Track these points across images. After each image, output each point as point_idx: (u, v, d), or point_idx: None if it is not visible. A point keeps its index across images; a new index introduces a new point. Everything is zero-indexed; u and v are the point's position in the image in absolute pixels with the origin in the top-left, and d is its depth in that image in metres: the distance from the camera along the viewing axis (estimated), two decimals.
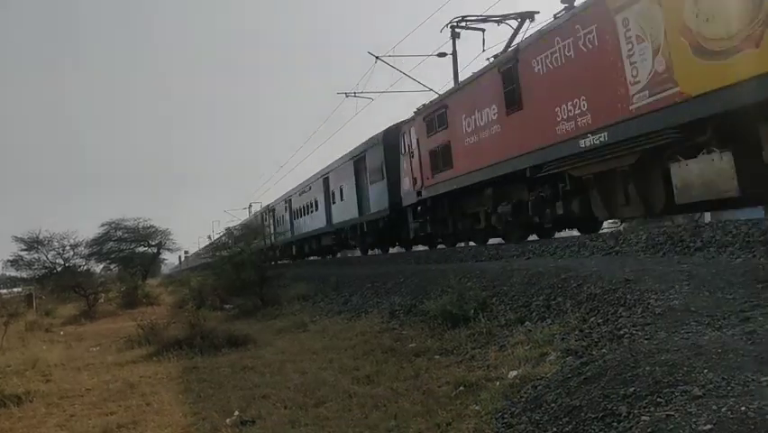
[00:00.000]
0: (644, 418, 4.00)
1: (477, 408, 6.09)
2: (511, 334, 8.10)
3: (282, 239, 40.78)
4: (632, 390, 4.43)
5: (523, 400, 5.66)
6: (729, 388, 3.89)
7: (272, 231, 43.56)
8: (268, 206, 49.07)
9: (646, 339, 5.42)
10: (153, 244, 50.16)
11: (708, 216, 17.60)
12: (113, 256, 48.50)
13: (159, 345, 13.67)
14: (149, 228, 49.60)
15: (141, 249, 49.98)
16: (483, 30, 21.46)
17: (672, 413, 3.83)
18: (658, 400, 4.13)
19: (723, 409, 3.57)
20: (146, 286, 35.06)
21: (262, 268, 22.39)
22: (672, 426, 3.68)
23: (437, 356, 8.63)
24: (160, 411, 8.40)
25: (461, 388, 6.84)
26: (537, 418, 5.08)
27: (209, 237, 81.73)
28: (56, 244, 42.50)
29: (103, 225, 48.63)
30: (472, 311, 9.43)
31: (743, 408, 3.50)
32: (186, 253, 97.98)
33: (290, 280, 23.88)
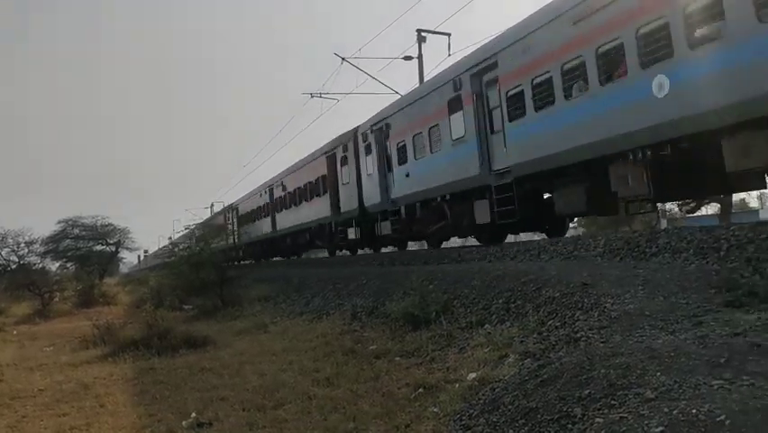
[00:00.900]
0: (598, 420, 4.07)
1: (436, 409, 6.11)
2: (471, 336, 8.16)
3: (250, 238, 39.97)
4: (587, 392, 4.50)
5: (481, 402, 5.70)
6: (681, 391, 3.98)
7: (235, 230, 43.01)
8: (231, 204, 48.43)
9: (602, 342, 5.51)
10: (111, 242, 49.13)
11: (664, 223, 18.04)
12: (69, 254, 47.32)
13: (114, 345, 13.40)
14: (107, 226, 48.56)
15: (99, 247, 48.92)
16: (449, 34, 22.15)
17: (626, 415, 3.91)
18: (612, 402, 4.20)
19: (674, 412, 3.65)
20: (103, 285, 34.32)
21: (222, 268, 22.10)
22: (624, 428, 3.75)
23: (398, 358, 8.64)
24: (115, 413, 8.24)
25: (421, 390, 6.87)
26: (495, 419, 5.13)
27: (170, 239, 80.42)
28: (10, 241, 41.31)
29: (59, 223, 47.47)
30: (434, 314, 9.47)
31: (693, 410, 3.58)
32: (145, 252, 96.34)
33: (252, 280, 23.63)
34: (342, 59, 27.70)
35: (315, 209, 26.06)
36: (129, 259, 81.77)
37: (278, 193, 32.30)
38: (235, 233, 42.44)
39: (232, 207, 46.56)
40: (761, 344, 4.48)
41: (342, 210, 23.55)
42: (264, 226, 35.08)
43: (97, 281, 34.51)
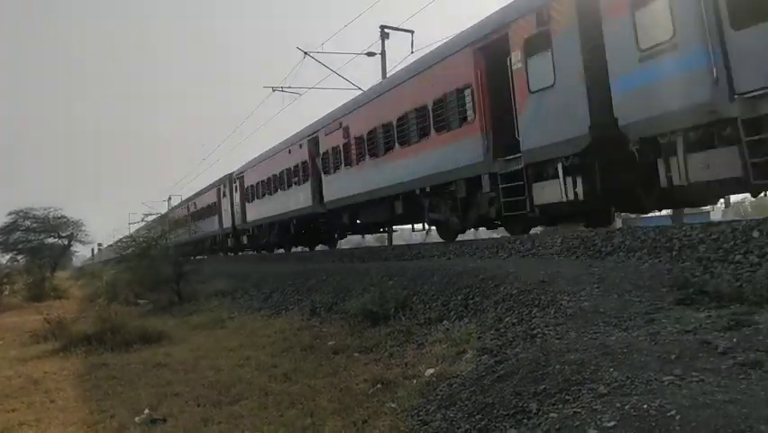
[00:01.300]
0: (552, 414, 4.12)
1: (393, 405, 6.12)
2: (430, 332, 8.19)
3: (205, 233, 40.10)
4: (542, 387, 4.56)
5: (438, 397, 5.73)
6: (633, 386, 4.06)
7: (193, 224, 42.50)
8: (189, 198, 47.78)
9: (558, 339, 5.59)
10: (64, 235, 48.03)
11: (619, 222, 18.41)
12: (20, 247, 46.13)
13: (66, 340, 13.06)
14: (60, 219, 47.46)
15: (51, 240, 47.76)
16: (412, 31, 22.49)
17: (579, 410, 3.97)
18: (566, 397, 4.27)
19: (626, 407, 3.72)
20: (55, 279, 33.49)
21: (179, 262, 21.75)
22: (578, 422, 3.81)
23: (356, 354, 8.62)
24: (65, 409, 8.05)
25: (379, 385, 6.86)
26: (452, 415, 5.16)
27: (129, 232, 78.81)
28: None
29: (10, 214, 46.19)
30: (393, 310, 9.48)
31: (645, 405, 3.65)
32: (99, 245, 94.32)
33: (210, 275, 23.31)
34: (305, 53, 27.57)
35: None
36: (82, 252, 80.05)
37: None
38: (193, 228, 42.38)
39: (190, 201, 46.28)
40: (710, 341, 4.61)
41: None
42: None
43: (49, 275, 33.68)
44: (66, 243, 48.83)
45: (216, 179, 37.29)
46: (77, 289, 33.11)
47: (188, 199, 46.17)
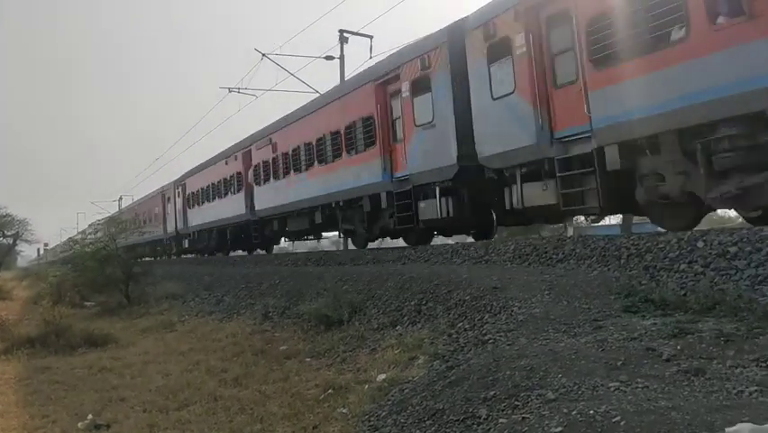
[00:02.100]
0: (501, 420, 4.16)
1: (344, 410, 6.08)
2: (383, 337, 8.17)
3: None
4: (492, 393, 4.59)
5: (389, 402, 5.72)
6: (580, 392, 4.12)
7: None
8: (138, 201, 46.98)
9: (508, 345, 5.65)
10: (9, 234, 46.44)
11: (570, 231, 18.77)
12: None
13: (8, 342, 12.64)
14: (4, 217, 45.83)
15: None
16: (371, 36, 22.89)
17: (528, 416, 4.01)
18: (516, 403, 4.31)
19: (573, 413, 3.77)
20: None
21: (128, 264, 21.25)
22: (526, 428, 3.85)
23: (308, 359, 8.55)
24: (5, 413, 7.80)
25: (330, 391, 6.81)
26: (402, 420, 5.15)
27: (81, 233, 76.74)
28: None
29: None
30: (347, 314, 9.44)
31: (591, 411, 3.71)
32: (46, 245, 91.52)
33: (161, 277, 22.84)
34: (263, 54, 27.33)
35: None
36: (27, 252, 77.54)
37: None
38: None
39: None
40: (655, 348, 4.72)
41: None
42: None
43: None
44: (10, 242, 47.27)
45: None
46: (22, 290, 32.03)
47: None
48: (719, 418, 3.35)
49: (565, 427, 3.65)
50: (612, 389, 4.08)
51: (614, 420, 3.53)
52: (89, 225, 48.96)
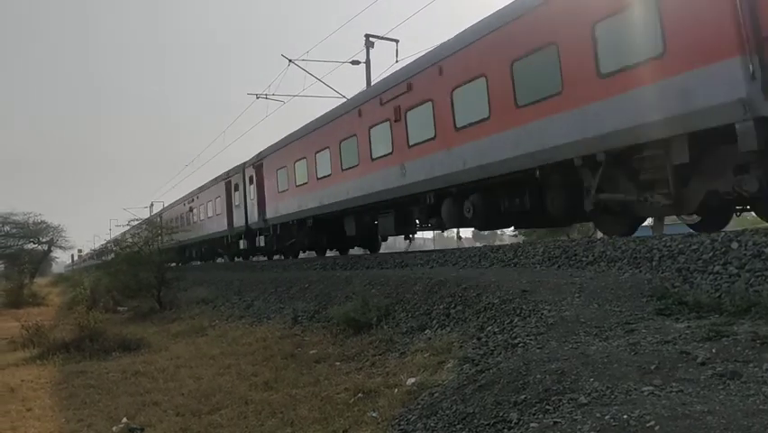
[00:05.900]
0: (533, 424, 4.12)
1: (374, 414, 6.09)
2: (412, 341, 8.17)
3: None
4: (523, 397, 4.55)
5: (419, 406, 5.71)
6: (613, 396, 4.07)
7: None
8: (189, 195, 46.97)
9: (539, 348, 5.60)
10: (44, 241, 47.47)
11: (599, 232, 18.51)
12: None
13: (44, 347, 12.92)
14: (40, 224, 46.93)
15: (31, 246, 47.16)
16: (397, 41, 22.84)
17: (560, 420, 3.97)
18: (547, 407, 4.26)
19: (606, 417, 3.72)
20: (34, 285, 33.04)
21: (162, 269, 21.57)
22: (558, 432, 3.81)
23: (338, 363, 8.58)
24: (42, 417, 7.93)
25: (360, 395, 6.83)
26: (432, 424, 5.14)
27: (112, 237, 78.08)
28: None
29: None
30: (375, 318, 9.46)
31: (624, 416, 3.66)
32: (79, 251, 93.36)
33: (192, 283, 23.14)
34: (290, 60, 27.47)
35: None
36: (62, 258, 79.09)
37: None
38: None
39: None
40: (689, 352, 4.64)
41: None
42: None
43: (27, 281, 33.24)
44: (46, 248, 48.25)
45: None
46: (57, 295, 32.67)
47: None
48: (756, 422, 3.28)
49: (598, 431, 3.60)
50: (646, 393, 4.02)
51: (648, 425, 3.48)
52: (128, 222, 48.53)
